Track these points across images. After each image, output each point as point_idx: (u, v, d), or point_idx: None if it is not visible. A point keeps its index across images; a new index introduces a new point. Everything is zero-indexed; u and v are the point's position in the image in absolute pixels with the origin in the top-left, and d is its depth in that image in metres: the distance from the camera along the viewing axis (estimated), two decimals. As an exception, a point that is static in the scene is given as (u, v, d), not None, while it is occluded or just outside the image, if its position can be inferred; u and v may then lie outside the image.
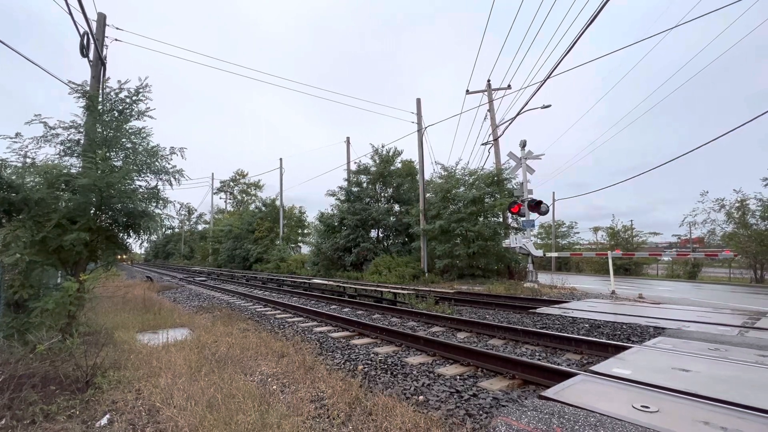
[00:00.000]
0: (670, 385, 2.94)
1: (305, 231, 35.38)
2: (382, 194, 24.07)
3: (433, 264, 17.80)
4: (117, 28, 9.18)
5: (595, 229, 35.27)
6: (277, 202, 34.53)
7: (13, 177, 4.59)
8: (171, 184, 5.71)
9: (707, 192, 21.26)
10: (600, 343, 4.88)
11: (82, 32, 7.45)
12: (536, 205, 13.77)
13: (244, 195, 60.12)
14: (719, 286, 16.12)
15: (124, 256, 5.94)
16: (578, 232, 39.64)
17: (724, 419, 2.34)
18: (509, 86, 17.49)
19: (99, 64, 7.61)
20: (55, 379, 3.40)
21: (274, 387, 3.54)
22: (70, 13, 6.98)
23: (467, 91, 19.11)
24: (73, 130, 5.42)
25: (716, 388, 2.89)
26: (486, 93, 18.61)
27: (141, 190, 5.45)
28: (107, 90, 5.82)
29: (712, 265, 26.31)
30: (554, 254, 19.21)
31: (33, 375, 3.40)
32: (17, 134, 4.94)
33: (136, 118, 5.75)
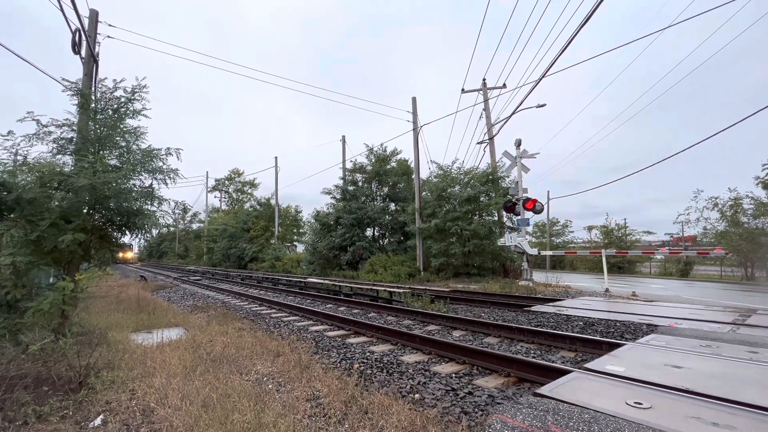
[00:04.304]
0: (663, 382, 2.98)
1: (301, 230, 35.29)
2: (378, 193, 24.07)
3: (429, 263, 17.83)
4: (109, 25, 9.07)
5: (590, 228, 35.60)
6: (273, 201, 34.39)
7: (5, 176, 4.53)
8: (166, 184, 5.68)
9: (702, 191, 21.49)
10: (594, 341, 4.93)
11: (74, 29, 7.35)
12: (531, 204, 13.85)
13: (239, 194, 59.91)
14: (711, 284, 16.31)
15: (129, 254, 5.97)
16: (572, 231, 39.99)
17: (716, 414, 2.37)
18: (504, 85, 17.56)
19: (91, 61, 7.51)
20: (48, 380, 3.37)
21: (270, 386, 3.53)
22: (62, 9, 6.88)
23: (463, 90, 19.15)
24: (66, 128, 5.36)
25: (708, 384, 2.93)
26: (481, 92, 18.66)
27: (136, 189, 5.41)
28: (102, 89, 5.76)
29: (704, 263, 26.59)
30: (549, 252, 19.35)
31: (25, 376, 3.36)
32: (9, 132, 4.88)
33: (131, 117, 5.70)
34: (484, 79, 18.69)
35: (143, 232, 5.58)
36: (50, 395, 3.12)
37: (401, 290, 10.97)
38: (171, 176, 5.70)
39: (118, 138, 5.58)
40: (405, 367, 4.33)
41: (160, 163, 5.60)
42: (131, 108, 5.68)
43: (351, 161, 25.21)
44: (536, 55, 15.19)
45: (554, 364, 3.87)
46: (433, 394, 3.47)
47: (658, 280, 18.64)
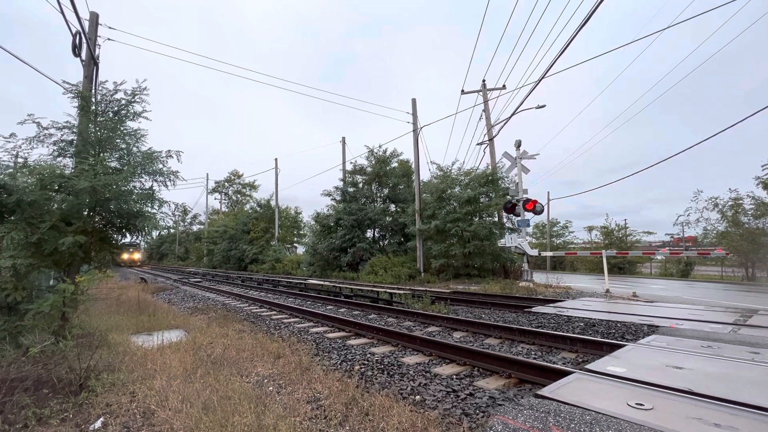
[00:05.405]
0: (664, 383, 2.97)
1: (301, 232, 35.30)
2: (378, 194, 24.06)
3: (429, 264, 17.82)
4: (110, 27, 9.10)
5: (590, 228, 35.65)
6: (272, 203, 34.41)
7: (6, 178, 4.53)
8: (166, 186, 5.68)
9: (701, 191, 21.51)
10: (595, 342, 4.92)
11: (74, 31, 7.36)
12: (531, 205, 13.85)
13: (239, 195, 59.95)
14: (711, 284, 16.29)
15: (137, 256, 5.96)
16: (573, 231, 40.04)
17: (718, 415, 2.37)
18: (504, 86, 17.58)
19: (92, 63, 7.53)
20: (48, 383, 3.36)
21: (271, 388, 3.53)
22: (62, 12, 6.90)
23: (462, 91, 19.17)
24: (66, 131, 5.37)
25: (709, 385, 2.93)
26: (481, 93, 18.68)
27: (136, 191, 5.42)
28: (103, 91, 5.77)
29: (704, 263, 26.60)
30: (549, 253, 19.34)
31: (25, 378, 3.36)
32: (11, 134, 4.89)
33: (131, 119, 5.71)
34: (483, 81, 18.72)
35: (143, 234, 5.58)
36: (50, 398, 3.12)
37: (402, 291, 10.97)
38: (171, 178, 5.70)
39: (118, 140, 5.58)
40: (406, 369, 4.32)
41: (161, 166, 5.61)
42: (131, 110, 5.69)
43: (351, 162, 25.27)
44: (536, 56, 15.25)
45: (555, 366, 3.86)
46: (434, 396, 3.47)
47: (659, 281, 18.62)
